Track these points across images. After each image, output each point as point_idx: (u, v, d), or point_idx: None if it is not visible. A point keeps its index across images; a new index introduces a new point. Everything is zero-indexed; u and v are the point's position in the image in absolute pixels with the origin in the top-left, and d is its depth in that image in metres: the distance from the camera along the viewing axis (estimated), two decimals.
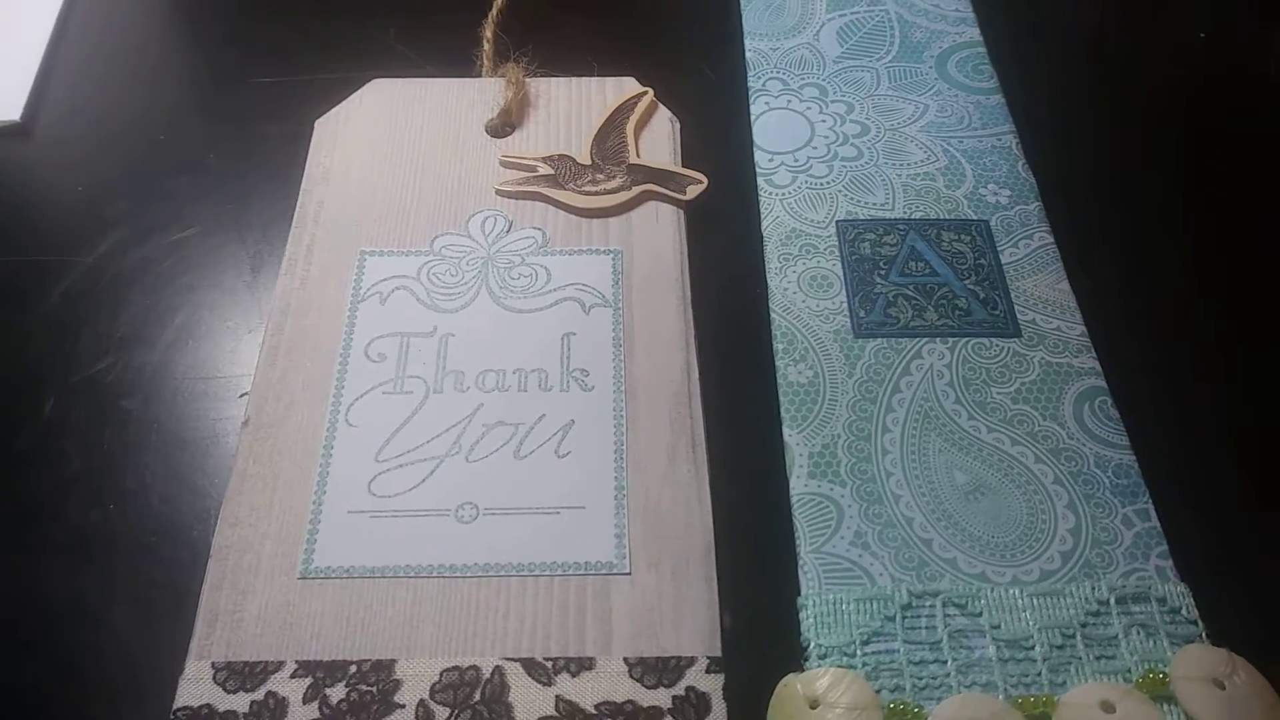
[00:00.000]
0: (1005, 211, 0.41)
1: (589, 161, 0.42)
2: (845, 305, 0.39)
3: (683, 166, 0.43)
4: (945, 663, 0.30)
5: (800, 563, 0.33)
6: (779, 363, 0.37)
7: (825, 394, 0.36)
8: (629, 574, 0.32)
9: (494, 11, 0.47)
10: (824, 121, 0.45)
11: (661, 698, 0.30)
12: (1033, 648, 0.31)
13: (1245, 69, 0.49)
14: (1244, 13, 0.52)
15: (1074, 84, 0.49)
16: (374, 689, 0.30)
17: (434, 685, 0.30)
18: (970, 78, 0.47)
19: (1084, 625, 0.31)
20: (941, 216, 0.41)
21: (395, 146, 0.43)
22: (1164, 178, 0.45)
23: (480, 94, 0.45)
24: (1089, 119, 0.47)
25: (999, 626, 0.31)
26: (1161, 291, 0.41)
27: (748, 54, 0.48)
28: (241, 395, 0.37)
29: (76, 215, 0.43)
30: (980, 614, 0.31)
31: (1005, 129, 0.45)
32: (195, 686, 0.30)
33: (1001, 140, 0.44)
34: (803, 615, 0.32)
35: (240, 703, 0.30)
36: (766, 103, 0.46)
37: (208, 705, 0.30)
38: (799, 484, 0.34)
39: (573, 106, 0.45)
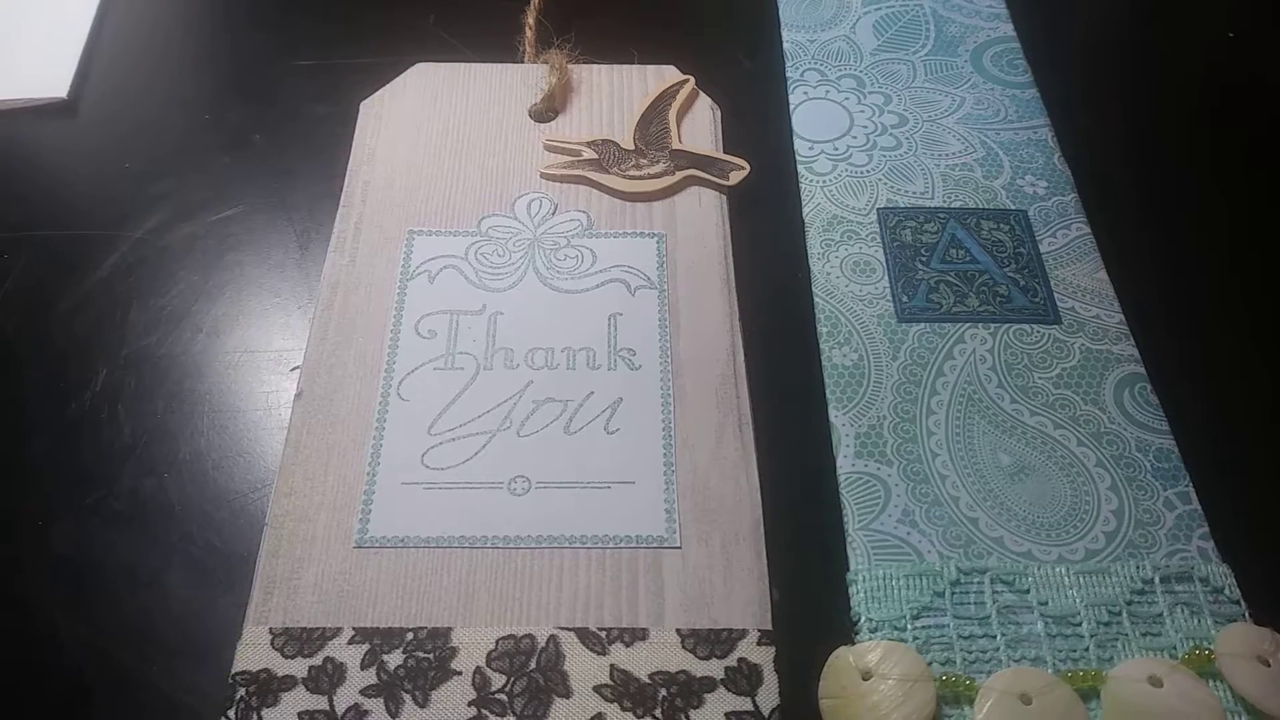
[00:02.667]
0: (1043, 202, 0.42)
1: (632, 147, 0.43)
2: (888, 290, 0.39)
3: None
4: (994, 637, 0.31)
5: (849, 539, 0.33)
6: (823, 345, 0.38)
7: (870, 377, 0.37)
8: (679, 548, 0.33)
9: None
10: (862, 112, 0.45)
11: (714, 668, 0.30)
12: (1080, 624, 0.31)
13: (1277, 63, 0.50)
14: (1274, 10, 0.53)
15: (1107, 79, 0.49)
16: (431, 656, 0.31)
17: (490, 653, 0.31)
18: (1005, 72, 0.47)
19: (1129, 603, 0.32)
20: (980, 206, 0.42)
21: (440, 129, 0.44)
22: (1198, 170, 0.45)
23: (523, 79, 0.46)
24: (1123, 113, 0.48)
25: (1046, 603, 0.32)
26: (1197, 280, 0.41)
27: (785, 45, 0.49)
28: (293, 369, 0.38)
29: (125, 192, 0.43)
30: (1028, 591, 0.32)
31: (1041, 122, 0.45)
32: (254, 651, 0.31)
33: (1037, 133, 0.45)
34: (853, 590, 0.32)
35: (299, 667, 0.30)
36: (805, 93, 0.46)
37: (266, 669, 0.30)
38: (846, 463, 0.35)
39: (615, 93, 0.46)
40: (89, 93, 0.47)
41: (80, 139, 0.45)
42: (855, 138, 0.44)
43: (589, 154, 0.43)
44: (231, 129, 0.46)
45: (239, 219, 0.42)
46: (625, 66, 0.46)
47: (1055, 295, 0.39)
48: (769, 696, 0.30)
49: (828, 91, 0.46)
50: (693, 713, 0.30)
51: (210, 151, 0.45)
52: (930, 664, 0.30)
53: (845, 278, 0.40)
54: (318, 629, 0.31)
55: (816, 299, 0.39)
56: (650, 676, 0.30)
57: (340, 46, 0.48)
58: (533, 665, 0.31)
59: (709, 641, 0.31)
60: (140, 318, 0.39)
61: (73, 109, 0.46)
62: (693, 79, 0.45)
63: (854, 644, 0.31)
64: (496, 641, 0.31)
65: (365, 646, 0.31)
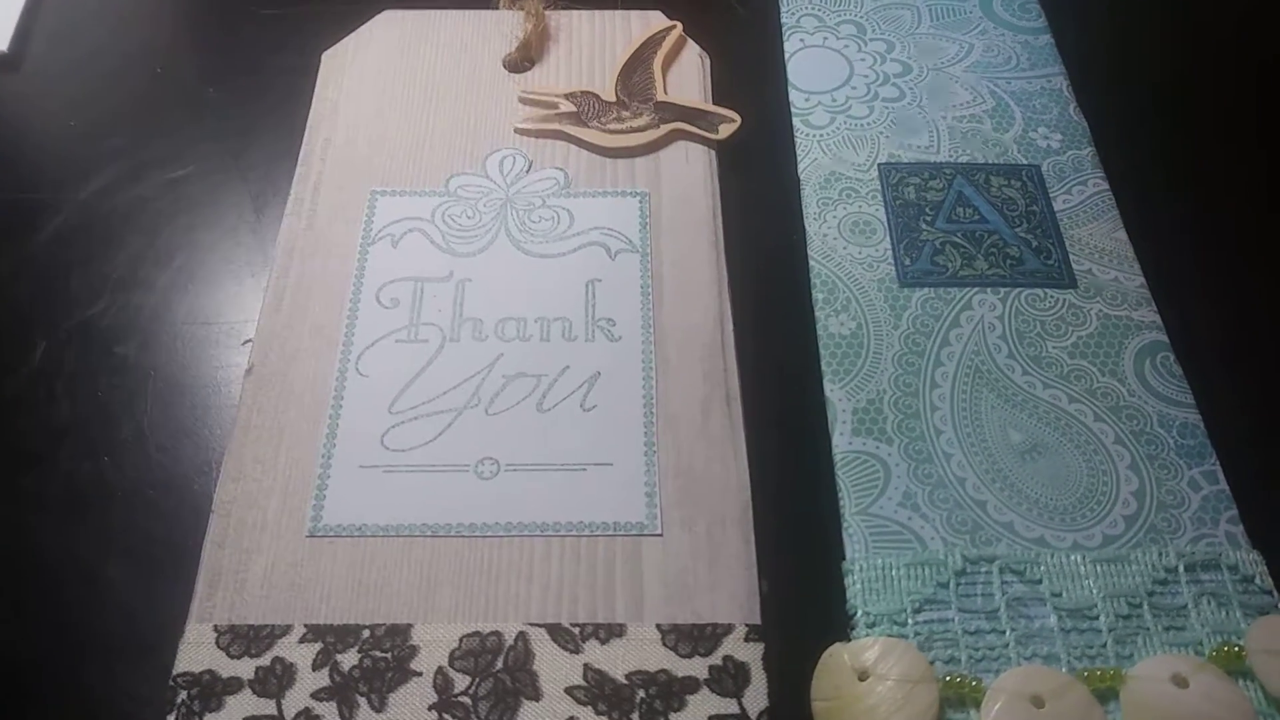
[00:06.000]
0: (1057, 156, 0.39)
1: (614, 98, 0.40)
2: (889, 253, 0.36)
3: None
4: (1003, 632, 0.28)
5: (844, 525, 0.30)
6: (819, 313, 0.35)
7: (869, 346, 0.34)
8: (660, 535, 0.30)
9: None
10: (863, 60, 0.42)
11: (697, 667, 0.28)
12: (1097, 617, 0.29)
13: None
14: None
15: (1126, 24, 0.46)
16: (389, 655, 0.28)
17: (453, 652, 0.28)
18: (1017, 16, 0.44)
19: (1151, 594, 0.29)
20: (990, 161, 0.39)
21: (407, 81, 0.41)
22: (1224, 119, 0.42)
23: (497, 26, 0.43)
24: (1142, 60, 0.44)
25: (1060, 594, 0.29)
26: (1224, 240, 0.38)
27: None
28: (245, 342, 0.35)
29: (68, 151, 0.41)
30: (1040, 581, 0.29)
31: (1055, 70, 0.42)
32: (196, 651, 0.28)
33: (1051, 82, 0.41)
34: (848, 581, 0.29)
35: (245, 669, 0.28)
36: (801, 40, 0.43)
37: (210, 671, 0.28)
38: (842, 441, 0.32)
39: (596, 41, 0.42)
40: (32, 46, 0.44)
41: (22, 95, 0.43)
42: (855, 88, 0.41)
43: (567, 106, 0.40)
44: (185, 83, 0.43)
45: (191, 179, 0.40)
46: (607, 12, 0.43)
47: (1070, 257, 0.36)
48: (757, 698, 0.27)
49: (826, 39, 0.43)
50: (673, 716, 0.27)
51: (162, 107, 0.42)
52: (933, 663, 0.28)
53: (843, 239, 0.37)
54: (266, 626, 0.29)
55: (812, 262, 0.36)
56: (627, 677, 0.28)
57: None
58: (499, 665, 0.28)
59: (692, 638, 0.28)
60: (83, 287, 0.36)
61: (14, 63, 0.43)
62: (680, 25, 0.42)
63: (850, 640, 0.28)
64: (460, 639, 0.28)
65: (317, 645, 0.28)
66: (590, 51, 0.42)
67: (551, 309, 0.35)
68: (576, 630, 0.29)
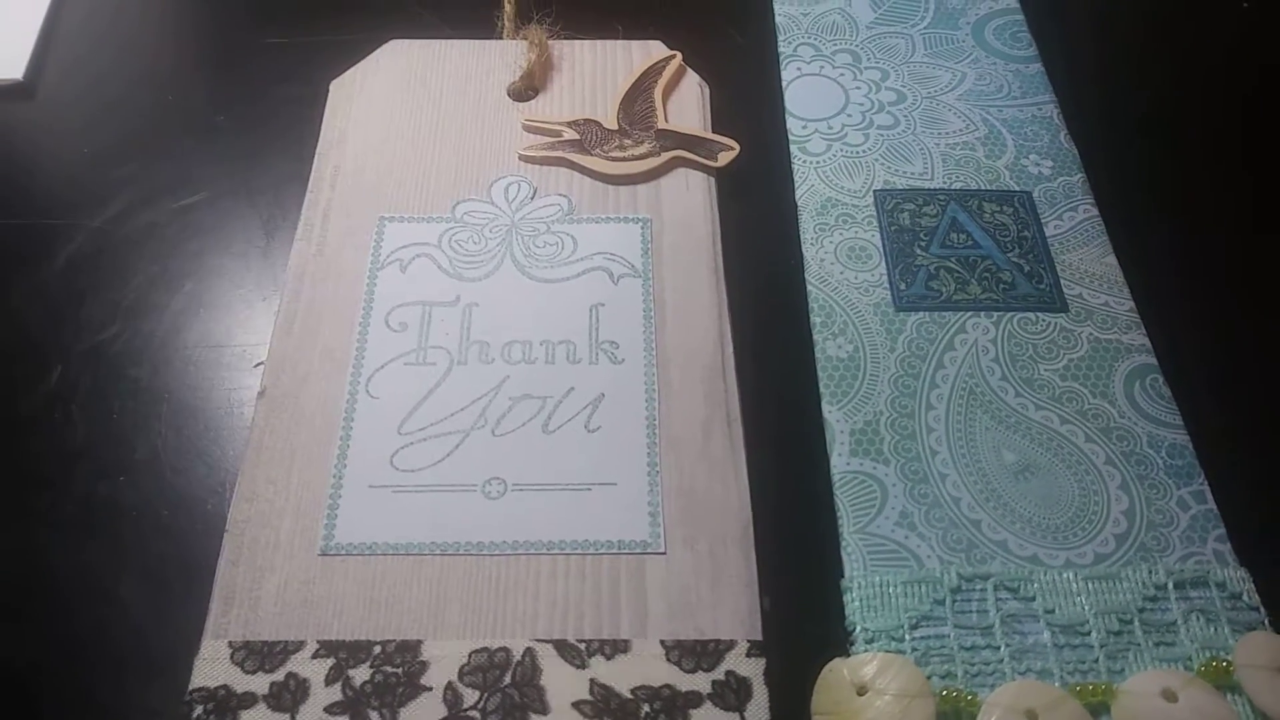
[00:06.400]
0: (1048, 183, 0.40)
1: (616, 126, 0.41)
2: (885, 277, 0.37)
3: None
4: (998, 648, 0.29)
5: (843, 543, 0.31)
6: (817, 336, 0.36)
7: (866, 369, 0.35)
8: (664, 553, 0.31)
9: None
10: (858, 89, 0.43)
11: (700, 682, 0.29)
12: (1089, 633, 0.29)
13: None
14: None
15: (1115, 53, 0.47)
16: (400, 670, 0.29)
17: (463, 667, 0.29)
18: (1009, 45, 0.45)
19: (1141, 610, 0.30)
20: (982, 187, 0.40)
21: (414, 109, 0.42)
22: (1211, 147, 0.43)
23: (501, 56, 0.44)
24: (1131, 88, 0.46)
25: (1053, 611, 0.30)
26: (1212, 264, 0.39)
27: (777, 19, 0.46)
28: (256, 365, 0.36)
29: (82, 178, 0.41)
30: (1033, 598, 0.30)
31: (1046, 98, 0.43)
32: (212, 667, 0.29)
33: (1042, 110, 0.43)
34: (847, 598, 0.30)
35: (259, 684, 0.28)
36: (798, 69, 0.44)
37: (225, 686, 0.28)
38: (840, 462, 0.33)
39: (598, 70, 0.43)
40: (46, 74, 0.45)
41: (36, 123, 0.43)
42: (851, 116, 0.42)
43: (570, 134, 0.41)
44: (196, 110, 0.44)
45: (202, 206, 0.40)
46: (609, 42, 0.44)
47: (1062, 281, 0.37)
48: (759, 712, 0.28)
49: (822, 67, 0.44)
50: None
51: (173, 135, 0.43)
52: (930, 677, 0.28)
53: (840, 264, 0.38)
54: (280, 642, 0.29)
55: (809, 287, 0.37)
56: (632, 691, 0.29)
57: (310, 23, 0.46)
58: (507, 680, 0.29)
59: (695, 653, 0.29)
60: (96, 311, 0.37)
61: (29, 91, 0.44)
62: (680, 55, 0.43)
63: (849, 655, 0.29)
64: (469, 655, 0.29)
65: (330, 661, 0.29)
66: (592, 81, 0.43)
67: (556, 332, 0.36)
68: (582, 646, 0.29)
